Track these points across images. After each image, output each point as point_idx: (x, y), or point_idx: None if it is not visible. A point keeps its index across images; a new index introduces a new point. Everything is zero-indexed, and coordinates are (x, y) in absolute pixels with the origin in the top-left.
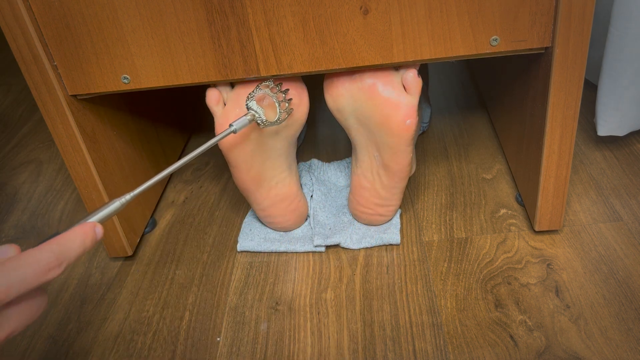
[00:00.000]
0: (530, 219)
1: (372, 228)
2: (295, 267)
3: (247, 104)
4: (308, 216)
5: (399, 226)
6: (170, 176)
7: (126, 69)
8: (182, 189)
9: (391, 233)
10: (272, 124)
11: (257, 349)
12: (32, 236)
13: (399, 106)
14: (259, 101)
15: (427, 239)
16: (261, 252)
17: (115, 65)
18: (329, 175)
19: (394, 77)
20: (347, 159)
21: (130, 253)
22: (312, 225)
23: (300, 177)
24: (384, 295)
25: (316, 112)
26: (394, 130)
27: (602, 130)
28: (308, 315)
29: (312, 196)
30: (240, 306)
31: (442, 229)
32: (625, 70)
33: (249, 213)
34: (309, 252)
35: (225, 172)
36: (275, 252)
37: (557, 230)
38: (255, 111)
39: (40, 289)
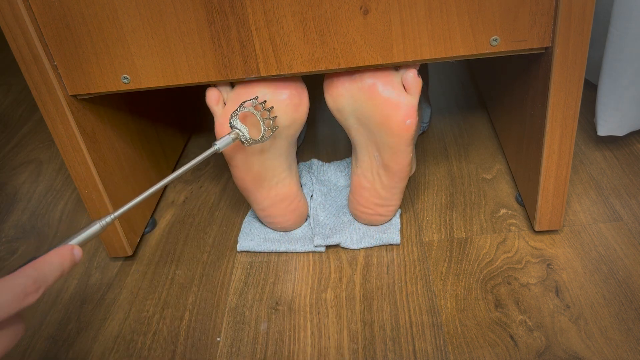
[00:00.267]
0: (530, 219)
1: (372, 228)
2: (295, 267)
3: (230, 122)
4: (308, 216)
5: (399, 226)
6: None
7: (126, 69)
8: (182, 189)
9: (391, 233)
10: (256, 142)
11: (257, 349)
12: (32, 236)
13: (399, 106)
14: (243, 119)
15: (427, 239)
16: (261, 252)
17: (115, 65)
18: (329, 175)
19: (394, 77)
20: (347, 159)
21: (130, 253)
22: (312, 225)
23: (300, 177)
24: (384, 295)
25: (316, 112)
26: (394, 130)
27: (602, 130)
28: (308, 315)
29: (312, 196)
30: (240, 306)
31: (442, 229)
32: (625, 70)
33: (249, 213)
34: (309, 252)
35: (225, 172)
36: (275, 252)
37: (557, 230)
38: (239, 129)
39: (17, 316)
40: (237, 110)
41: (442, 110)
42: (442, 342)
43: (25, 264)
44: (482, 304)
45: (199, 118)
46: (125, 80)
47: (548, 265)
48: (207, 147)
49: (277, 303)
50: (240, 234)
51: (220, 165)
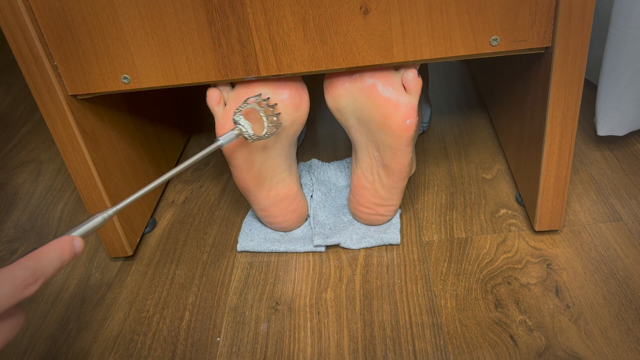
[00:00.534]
0: (530, 219)
1: (372, 228)
2: (295, 267)
3: (234, 119)
4: (308, 216)
5: (399, 226)
6: None
7: (126, 69)
8: (182, 189)
9: (391, 233)
10: (259, 138)
11: (257, 349)
12: (32, 236)
13: (399, 106)
14: (247, 115)
15: (427, 239)
16: (261, 252)
17: (115, 65)
18: (329, 175)
19: (394, 77)
20: (347, 159)
21: (130, 253)
22: (312, 225)
23: (300, 177)
24: (384, 295)
25: (316, 112)
26: (394, 130)
27: (602, 130)
28: (308, 315)
29: (312, 196)
30: (240, 306)
31: (442, 229)
32: (625, 70)
33: (249, 213)
34: (309, 252)
35: (225, 172)
36: (275, 252)
37: (557, 230)
38: (243, 126)
39: (17, 307)
40: (240, 106)
41: (442, 110)
42: (442, 342)
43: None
44: (482, 304)
45: (199, 118)
46: (125, 80)
47: (548, 265)
48: (208, 146)
49: (277, 303)
50: (240, 234)
51: (220, 165)
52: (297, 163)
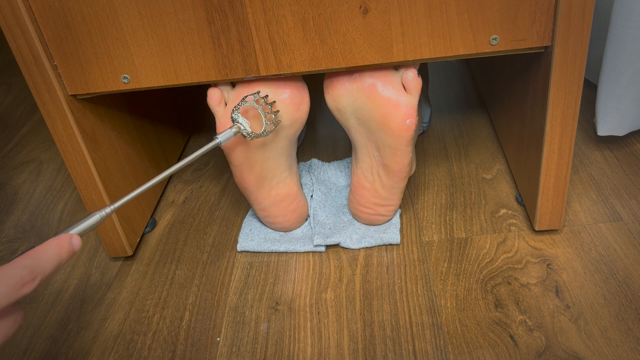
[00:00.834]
0: (530, 219)
1: (372, 228)
2: (295, 267)
3: (232, 117)
4: (308, 216)
5: (399, 226)
6: (171, 176)
7: (126, 69)
8: (182, 189)
9: (391, 233)
10: (258, 135)
11: (257, 349)
12: (32, 236)
13: (398, 106)
14: (245, 113)
15: (427, 239)
16: (261, 252)
17: (115, 65)
18: (329, 175)
19: (394, 77)
20: (347, 159)
21: (130, 253)
22: (312, 225)
23: (300, 177)
24: (384, 295)
25: (316, 112)
26: (394, 130)
27: (602, 130)
28: (308, 315)
29: (312, 196)
30: (240, 306)
31: (442, 229)
32: (625, 70)
33: (249, 213)
34: (309, 252)
35: (225, 172)
36: (275, 252)
37: (557, 230)
38: (241, 124)
39: (15, 305)
40: (238, 104)
41: (442, 110)
42: (442, 342)
43: (22, 253)
44: (482, 304)
45: (199, 118)
46: (125, 80)
47: (548, 265)
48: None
49: (277, 303)
50: (240, 234)
51: (220, 165)
52: (297, 163)
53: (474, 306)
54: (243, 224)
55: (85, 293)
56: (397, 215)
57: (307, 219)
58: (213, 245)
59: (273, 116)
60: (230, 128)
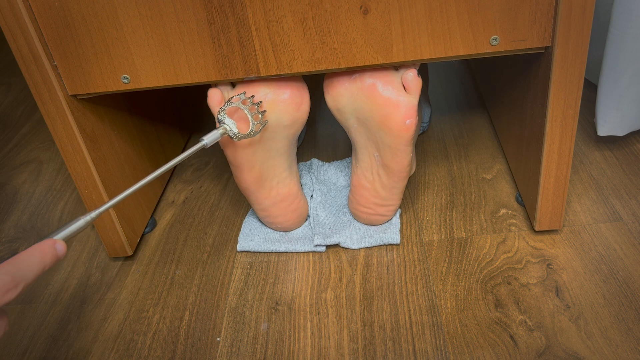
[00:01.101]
0: (530, 219)
1: (372, 228)
2: (295, 267)
3: (218, 118)
4: (308, 216)
5: (399, 226)
6: (171, 176)
7: (126, 69)
8: (182, 189)
9: (391, 233)
10: (245, 136)
11: (257, 349)
12: (32, 236)
13: (398, 106)
14: (231, 114)
15: (427, 239)
16: (261, 252)
17: (115, 65)
18: (329, 175)
19: (394, 77)
20: (347, 159)
21: (130, 253)
22: (312, 225)
23: (300, 177)
24: (384, 295)
25: (316, 112)
26: (394, 130)
27: (602, 130)
28: (308, 315)
29: (312, 196)
30: (240, 306)
31: (442, 229)
32: (625, 70)
33: (249, 213)
34: (309, 252)
35: (225, 172)
36: (275, 252)
37: (557, 230)
38: (227, 125)
39: None
40: (224, 105)
41: (442, 110)
42: (442, 342)
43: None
44: (482, 304)
45: (199, 118)
46: (125, 80)
47: (548, 265)
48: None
49: (277, 303)
50: (240, 234)
51: (220, 165)
52: (297, 163)
53: (474, 306)
54: (243, 224)
55: (85, 293)
56: (397, 215)
57: (307, 219)
58: (213, 245)
59: (260, 116)
60: (216, 129)
